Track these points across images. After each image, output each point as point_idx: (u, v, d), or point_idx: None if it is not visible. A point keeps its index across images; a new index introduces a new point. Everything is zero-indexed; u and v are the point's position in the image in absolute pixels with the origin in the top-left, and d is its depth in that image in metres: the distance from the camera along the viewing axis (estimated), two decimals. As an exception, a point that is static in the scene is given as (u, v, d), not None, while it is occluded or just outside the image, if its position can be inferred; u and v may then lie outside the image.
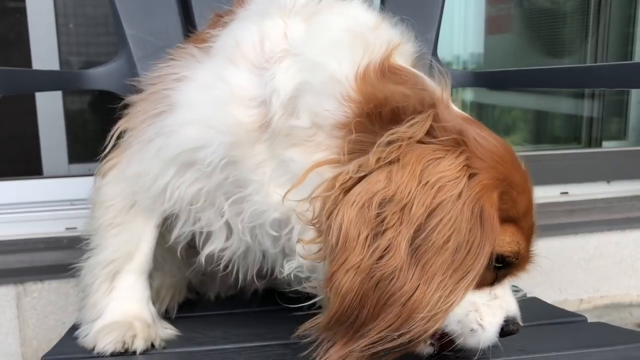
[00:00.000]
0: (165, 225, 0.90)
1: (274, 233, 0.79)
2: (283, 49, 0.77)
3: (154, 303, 0.93)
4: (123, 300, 0.88)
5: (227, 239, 0.84)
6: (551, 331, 0.89)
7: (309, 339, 0.70)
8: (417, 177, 0.63)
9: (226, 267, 0.87)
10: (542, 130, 2.66)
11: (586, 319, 0.94)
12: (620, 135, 2.38)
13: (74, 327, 0.91)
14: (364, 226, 0.62)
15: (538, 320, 0.94)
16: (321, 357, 0.67)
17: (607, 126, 2.38)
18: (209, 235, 0.85)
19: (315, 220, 0.67)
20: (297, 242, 0.73)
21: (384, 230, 0.62)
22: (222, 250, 0.85)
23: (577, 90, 2.43)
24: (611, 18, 2.35)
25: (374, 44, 0.75)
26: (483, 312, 0.72)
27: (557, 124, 2.62)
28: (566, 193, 2.04)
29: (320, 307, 0.98)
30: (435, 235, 0.62)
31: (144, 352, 0.83)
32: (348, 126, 0.70)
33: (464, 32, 2.53)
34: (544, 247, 1.92)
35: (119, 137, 0.90)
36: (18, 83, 1.00)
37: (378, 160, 0.64)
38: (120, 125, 0.89)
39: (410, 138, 0.65)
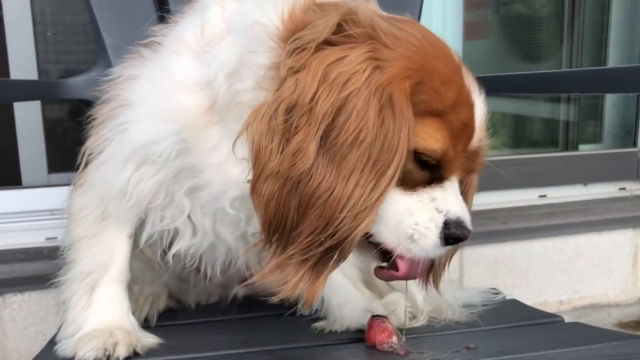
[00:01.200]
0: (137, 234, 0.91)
1: (232, 212, 0.78)
2: (222, 29, 0.76)
3: (133, 312, 0.93)
4: (102, 311, 0.88)
5: (193, 235, 0.85)
6: (529, 332, 0.91)
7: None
8: (320, 77, 0.62)
9: (193, 264, 0.88)
10: (520, 133, 2.69)
11: (563, 319, 0.96)
12: (596, 138, 2.42)
13: (54, 340, 0.90)
14: (274, 135, 0.63)
15: (516, 321, 0.95)
16: (262, 273, 0.67)
17: (583, 129, 2.43)
18: (175, 235, 0.86)
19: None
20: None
21: (293, 135, 0.63)
22: (189, 247, 0.86)
23: (553, 93, 2.48)
24: (585, 24, 2.39)
25: None
26: (418, 217, 0.68)
27: (535, 128, 2.66)
28: (544, 196, 2.08)
29: (302, 315, 1.00)
30: (345, 131, 0.61)
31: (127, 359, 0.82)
32: (277, 63, 0.69)
33: (441, 37, 2.55)
34: (523, 250, 1.96)
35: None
36: (-4, 93, 1.00)
37: (289, 70, 0.64)
38: (86, 145, 0.89)
39: (315, 40, 0.64)
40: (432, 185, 0.69)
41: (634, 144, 2.23)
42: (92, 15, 1.22)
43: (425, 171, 0.68)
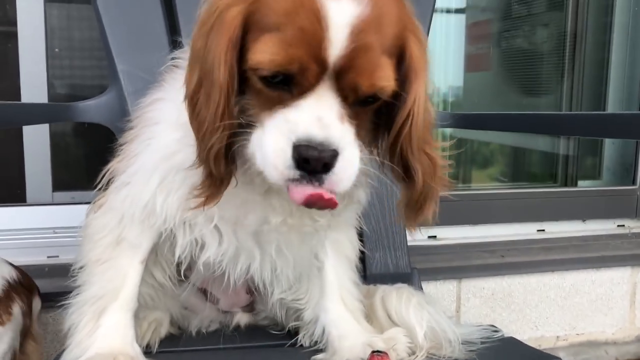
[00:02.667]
0: (152, 259, 0.93)
1: None
2: None
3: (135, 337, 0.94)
4: (108, 337, 0.89)
5: (220, 243, 0.88)
6: (527, 372, 0.92)
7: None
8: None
9: (222, 272, 0.91)
10: (519, 166, 2.72)
11: (561, 359, 0.96)
12: (595, 174, 2.44)
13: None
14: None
15: (515, 360, 0.96)
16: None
17: (582, 165, 2.45)
18: (202, 245, 0.88)
19: None
20: None
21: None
22: (216, 256, 0.89)
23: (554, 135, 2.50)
24: (586, 60, 2.43)
25: None
26: (271, 139, 0.67)
27: (534, 161, 2.69)
28: (542, 230, 2.09)
29: (302, 347, 1.01)
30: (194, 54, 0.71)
31: (129, 388, 0.83)
32: None
33: (444, 68, 2.60)
34: (521, 284, 1.97)
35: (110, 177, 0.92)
36: (7, 117, 1.01)
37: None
38: (110, 167, 0.92)
39: None
40: (287, 105, 0.67)
41: (633, 182, 2.26)
42: (105, 41, 1.25)
43: (278, 91, 0.67)
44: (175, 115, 0.81)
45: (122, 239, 0.89)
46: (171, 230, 0.88)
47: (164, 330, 1.07)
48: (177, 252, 0.90)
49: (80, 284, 0.91)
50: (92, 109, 1.27)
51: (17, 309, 1.13)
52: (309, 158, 0.65)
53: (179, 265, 0.95)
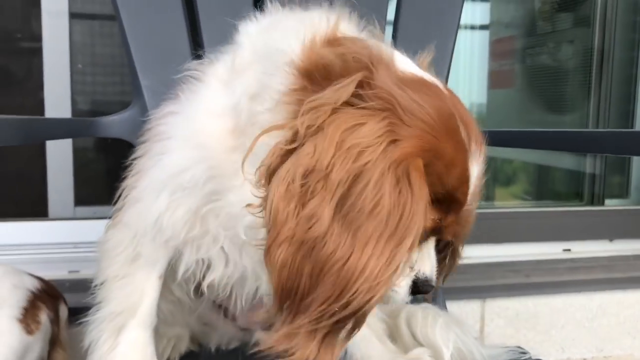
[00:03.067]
0: (169, 272, 0.92)
1: (245, 238, 0.77)
2: (250, 60, 0.80)
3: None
4: (127, 355, 0.88)
5: (226, 266, 0.86)
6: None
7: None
8: (336, 143, 0.62)
9: (225, 294, 0.90)
10: (543, 185, 2.68)
11: (591, 385, 0.93)
12: (623, 193, 2.39)
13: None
14: (291, 199, 0.62)
15: (543, 385, 0.93)
16: (270, 341, 0.64)
17: (609, 183, 2.41)
18: (209, 266, 0.87)
19: (258, 184, 0.68)
20: (246, 206, 0.71)
21: (309, 200, 0.62)
22: (222, 278, 0.87)
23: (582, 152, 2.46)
24: (613, 77, 2.40)
25: (319, 23, 0.76)
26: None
27: (559, 179, 2.65)
28: (568, 250, 2.05)
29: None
30: (361, 200, 0.61)
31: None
32: (292, 92, 0.70)
33: (468, 85, 2.58)
34: (546, 304, 1.91)
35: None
36: (32, 132, 1.01)
37: (307, 127, 0.64)
38: (125, 184, 0.91)
39: (334, 102, 0.64)
40: None
41: (662, 201, 2.21)
42: (129, 57, 1.25)
43: None
44: (188, 130, 0.81)
45: (139, 255, 0.88)
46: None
47: (183, 346, 1.06)
48: (181, 271, 0.88)
49: (99, 300, 0.90)
50: (116, 124, 1.28)
51: (44, 317, 1.13)
52: (424, 292, 0.74)
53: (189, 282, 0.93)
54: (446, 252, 0.79)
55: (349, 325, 0.63)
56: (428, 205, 0.65)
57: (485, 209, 2.17)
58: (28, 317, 1.09)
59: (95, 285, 0.91)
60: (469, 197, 0.69)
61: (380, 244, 0.60)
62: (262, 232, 0.67)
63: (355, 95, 0.65)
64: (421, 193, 0.63)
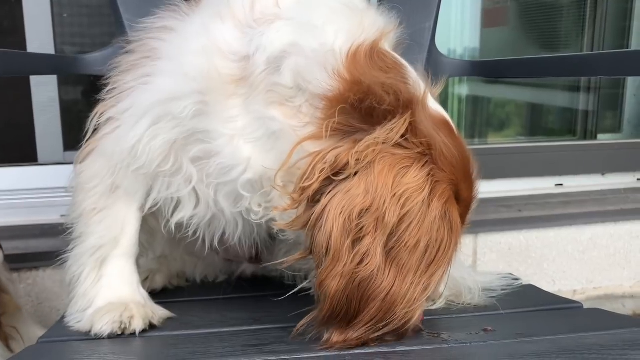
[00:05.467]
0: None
1: (246, 194, 0.80)
2: (274, 13, 0.77)
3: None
4: (114, 285, 0.87)
5: (196, 206, 0.85)
6: (548, 317, 0.90)
7: (307, 331, 0.76)
8: (389, 189, 0.69)
9: (194, 233, 0.89)
10: (537, 123, 2.67)
11: (582, 305, 0.94)
12: (615, 128, 2.39)
13: (65, 315, 0.89)
14: (347, 236, 0.69)
15: (534, 306, 0.94)
16: (324, 345, 0.73)
17: (602, 119, 2.40)
18: (177, 204, 0.85)
19: (294, 195, 0.72)
20: (272, 209, 0.78)
21: (362, 237, 0.69)
22: (191, 217, 0.86)
23: (572, 83, 2.44)
24: (608, 11, 2.35)
25: (367, 24, 0.77)
26: None
27: (553, 117, 2.63)
28: (561, 185, 2.06)
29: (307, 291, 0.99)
30: (406, 237, 0.69)
31: (142, 333, 0.82)
32: (330, 100, 0.73)
33: (460, 25, 2.53)
34: (538, 238, 1.94)
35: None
36: (14, 65, 0.99)
37: (356, 161, 0.69)
38: (99, 109, 0.86)
39: (384, 142, 0.70)
40: None
41: (655, 134, 2.21)
42: (110, -10, 1.21)
43: None
44: (185, 57, 0.77)
45: (117, 187, 0.85)
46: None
47: (159, 281, 1.06)
48: (148, 204, 0.87)
49: (76, 235, 0.88)
50: (99, 60, 1.24)
51: None
52: None
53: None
54: None
55: (387, 337, 0.74)
56: None
57: (478, 145, 2.17)
58: None
59: (71, 221, 0.89)
60: (466, 222, 0.79)
61: (417, 274, 0.70)
62: (272, 199, 0.77)
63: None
64: (457, 230, 0.73)
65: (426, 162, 0.71)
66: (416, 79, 0.77)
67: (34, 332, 1.30)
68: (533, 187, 2.01)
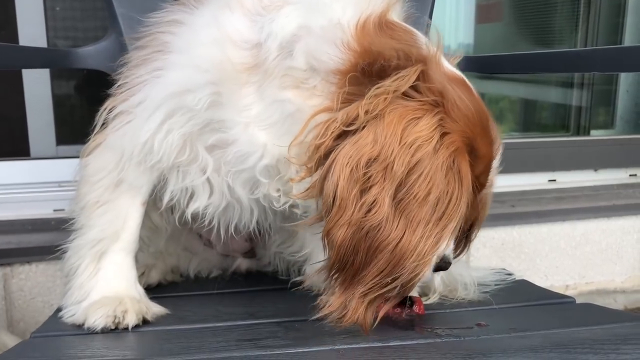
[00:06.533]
0: (153, 199, 0.90)
1: (264, 180, 0.80)
2: None
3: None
4: (110, 279, 0.87)
5: (210, 195, 0.85)
6: (541, 311, 0.90)
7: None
8: (398, 137, 0.67)
9: (210, 222, 0.89)
10: (530, 119, 2.67)
11: (574, 300, 0.95)
12: (608, 124, 2.40)
13: (61, 308, 0.89)
14: (354, 185, 0.67)
15: (527, 301, 0.95)
16: (324, 306, 0.71)
17: (595, 115, 2.40)
18: (192, 194, 0.86)
19: (308, 162, 0.72)
20: (289, 181, 0.77)
21: (370, 187, 0.68)
22: (206, 207, 0.86)
23: (566, 79, 2.45)
24: (601, 7, 2.36)
25: None
26: None
27: (546, 113, 2.64)
28: (554, 180, 2.06)
29: (309, 290, 1.00)
30: (416, 188, 0.67)
31: (135, 328, 0.82)
32: (343, 73, 0.73)
33: (455, 20, 2.53)
34: (531, 234, 1.94)
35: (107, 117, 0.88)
36: (6, 58, 0.98)
37: (366, 112, 0.68)
38: (109, 104, 0.87)
39: (394, 91, 0.69)
40: None
41: (647, 131, 2.21)
42: (103, -18, 1.20)
43: None
44: (197, 49, 0.77)
45: (122, 181, 0.86)
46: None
47: (155, 277, 1.06)
48: (166, 198, 0.87)
49: (78, 227, 0.88)
50: (92, 55, 1.24)
51: None
52: (444, 268, 0.78)
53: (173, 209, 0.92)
54: (462, 236, 0.84)
55: (395, 293, 0.71)
56: None
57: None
58: None
59: (73, 212, 0.89)
60: (489, 182, 0.77)
61: (429, 226, 0.68)
62: (294, 187, 0.75)
63: (411, 86, 0.70)
64: (467, 183, 0.70)
65: (437, 112, 0.70)
66: (428, 44, 0.76)
67: (5, 341, 1.30)
68: (526, 183, 2.01)
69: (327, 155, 0.70)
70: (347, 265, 0.69)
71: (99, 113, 0.88)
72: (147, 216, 0.92)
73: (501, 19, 2.65)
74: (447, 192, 0.68)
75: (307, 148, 0.71)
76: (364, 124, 0.68)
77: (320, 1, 0.76)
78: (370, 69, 0.71)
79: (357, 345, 0.72)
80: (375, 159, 0.67)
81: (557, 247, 1.92)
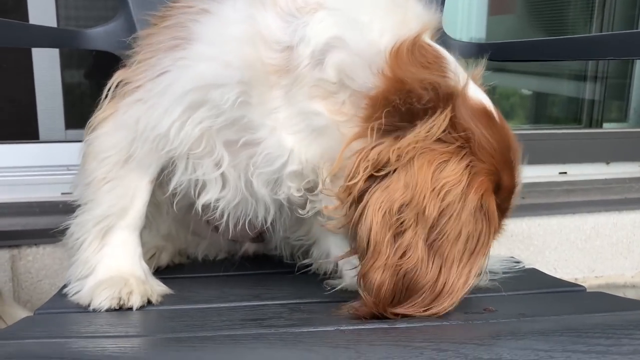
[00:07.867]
0: (160, 181, 0.89)
1: (292, 184, 0.81)
2: (316, 1, 0.76)
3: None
4: (116, 256, 0.86)
5: (222, 189, 0.84)
6: (551, 298, 0.89)
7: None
8: (428, 183, 0.71)
9: (221, 216, 0.88)
10: (542, 112, 2.65)
11: (585, 288, 0.93)
12: (622, 117, 2.37)
13: (65, 286, 0.88)
14: (387, 229, 0.71)
15: (537, 289, 0.93)
16: (354, 312, 0.75)
17: (608, 108, 2.37)
18: (204, 186, 0.84)
19: (342, 198, 0.74)
20: (323, 209, 0.80)
21: (404, 231, 0.71)
22: (217, 200, 0.85)
23: (579, 72, 2.42)
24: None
25: (410, 18, 0.78)
26: None
27: (558, 106, 2.61)
28: (565, 173, 2.04)
29: (314, 274, 0.99)
30: (448, 230, 0.71)
31: (140, 308, 0.82)
32: (372, 99, 0.74)
33: (467, 12, 2.50)
34: (540, 226, 1.92)
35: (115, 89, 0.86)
36: (15, 36, 0.98)
37: (397, 158, 0.71)
38: (119, 76, 0.85)
39: (425, 139, 0.72)
40: None
41: (661, 124, 2.18)
42: (113, -36, 1.20)
43: None
44: (226, 44, 0.75)
45: (131, 157, 0.84)
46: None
47: (165, 259, 1.06)
48: (172, 185, 0.85)
49: (83, 202, 0.87)
50: (101, 36, 1.23)
51: None
52: None
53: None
54: None
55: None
56: None
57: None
58: None
59: (78, 186, 0.88)
60: (510, 209, 0.81)
61: (462, 263, 0.73)
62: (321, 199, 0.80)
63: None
64: (494, 220, 0.75)
65: (464, 154, 0.72)
66: (456, 70, 0.77)
67: (16, 313, 1.30)
68: (537, 175, 1.99)
69: (360, 196, 0.72)
70: (386, 302, 0.73)
71: (107, 87, 0.86)
72: (154, 195, 0.91)
73: (514, 11, 2.62)
74: (476, 230, 0.72)
75: (340, 186, 0.74)
76: (394, 169, 0.71)
77: (358, 16, 0.76)
78: (402, 105, 0.73)
79: (362, 327, 0.71)
80: (407, 204, 0.71)
81: (567, 240, 1.90)
